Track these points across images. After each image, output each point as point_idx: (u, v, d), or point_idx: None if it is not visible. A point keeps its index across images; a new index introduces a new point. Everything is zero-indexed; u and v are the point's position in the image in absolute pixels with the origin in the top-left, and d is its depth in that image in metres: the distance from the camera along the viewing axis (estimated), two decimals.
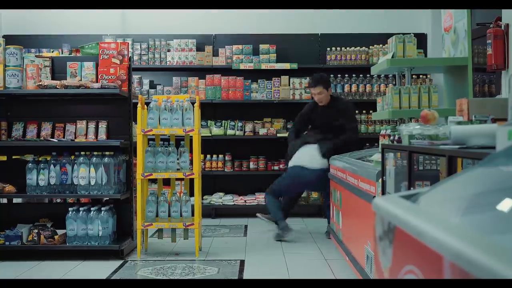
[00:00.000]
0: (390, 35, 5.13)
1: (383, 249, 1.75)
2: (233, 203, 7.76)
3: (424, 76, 7.86)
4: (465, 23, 4.76)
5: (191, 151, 5.61)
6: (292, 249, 5.67)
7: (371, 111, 7.63)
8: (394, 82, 7.78)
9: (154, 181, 7.61)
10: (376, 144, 7.24)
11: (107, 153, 5.35)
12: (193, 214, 5.54)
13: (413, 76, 7.42)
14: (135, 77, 7.83)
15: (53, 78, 5.69)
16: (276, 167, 7.87)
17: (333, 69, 8.01)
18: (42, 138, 5.56)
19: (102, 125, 5.60)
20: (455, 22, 4.98)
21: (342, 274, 4.69)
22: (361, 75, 7.96)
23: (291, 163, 6.36)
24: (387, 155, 3.56)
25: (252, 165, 7.92)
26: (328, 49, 8.05)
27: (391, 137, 3.78)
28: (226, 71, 8.03)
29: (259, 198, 7.68)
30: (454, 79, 5.01)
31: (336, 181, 5.50)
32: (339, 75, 7.97)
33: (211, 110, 8.16)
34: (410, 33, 4.92)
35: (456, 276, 1.14)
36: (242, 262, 5.13)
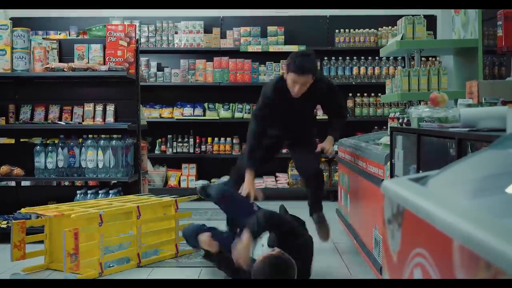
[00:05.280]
0: (399, 16, 5.08)
1: (392, 233, 1.73)
2: None
3: (434, 58, 7.80)
4: None
5: None
6: None
7: (379, 94, 7.60)
8: (403, 64, 7.72)
9: (161, 164, 7.63)
10: (384, 127, 7.23)
11: (114, 136, 5.35)
12: None
13: (423, 58, 7.37)
14: (143, 59, 7.81)
15: (60, 61, 5.68)
16: (284, 150, 7.81)
17: (341, 51, 7.97)
18: (50, 121, 5.57)
19: (110, 108, 5.60)
20: None
21: (349, 257, 4.69)
22: (369, 57, 7.90)
23: None
24: (396, 138, 3.54)
25: None
26: (337, 31, 7.99)
27: (400, 120, 3.76)
28: (234, 53, 8.00)
29: (267, 182, 7.66)
30: (464, 61, 4.96)
31: (344, 164, 5.48)
32: (347, 58, 7.91)
33: (218, 93, 8.14)
34: (419, 15, 4.86)
35: (465, 258, 1.13)
36: None
